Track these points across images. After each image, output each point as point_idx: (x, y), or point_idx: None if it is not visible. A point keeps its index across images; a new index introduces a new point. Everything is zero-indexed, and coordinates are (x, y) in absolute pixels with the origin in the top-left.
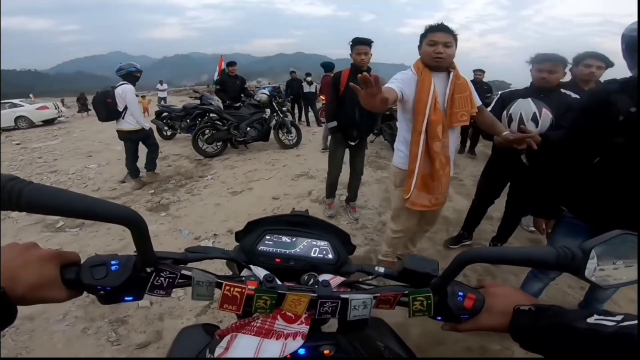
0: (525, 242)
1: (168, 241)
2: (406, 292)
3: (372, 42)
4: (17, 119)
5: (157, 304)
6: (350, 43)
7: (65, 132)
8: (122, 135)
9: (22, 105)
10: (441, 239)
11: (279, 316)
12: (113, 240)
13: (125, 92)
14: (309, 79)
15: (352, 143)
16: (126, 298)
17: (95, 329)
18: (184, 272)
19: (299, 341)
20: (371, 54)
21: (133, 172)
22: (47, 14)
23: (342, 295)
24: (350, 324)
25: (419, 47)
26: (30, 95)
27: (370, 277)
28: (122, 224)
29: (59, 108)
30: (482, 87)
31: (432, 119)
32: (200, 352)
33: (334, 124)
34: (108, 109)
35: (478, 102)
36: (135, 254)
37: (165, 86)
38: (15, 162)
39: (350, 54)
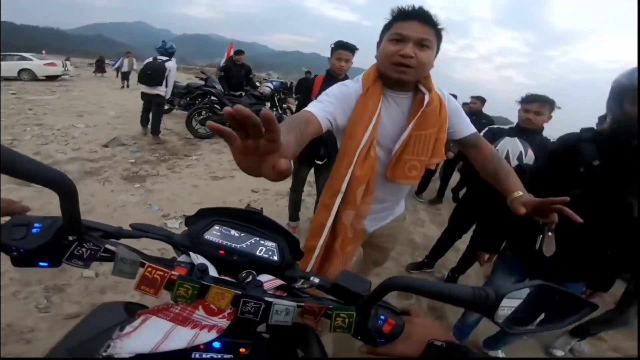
0: (480, 276)
1: (135, 213)
2: (331, 306)
3: (357, 49)
4: (20, 71)
5: (103, 276)
6: (332, 46)
7: (65, 90)
8: (149, 97)
9: (31, 60)
10: (405, 261)
11: (200, 307)
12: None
13: (172, 67)
14: None
15: (319, 162)
16: (41, 263)
17: (26, 294)
18: (108, 246)
19: (213, 334)
20: (352, 63)
21: (157, 128)
22: None
23: (267, 298)
24: (275, 327)
25: (378, 44)
26: (43, 52)
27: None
28: (50, 187)
29: (65, 66)
30: (481, 120)
31: (356, 174)
32: (110, 328)
33: None
34: (152, 76)
35: (470, 130)
36: (60, 220)
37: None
38: (5, 110)
39: (329, 58)
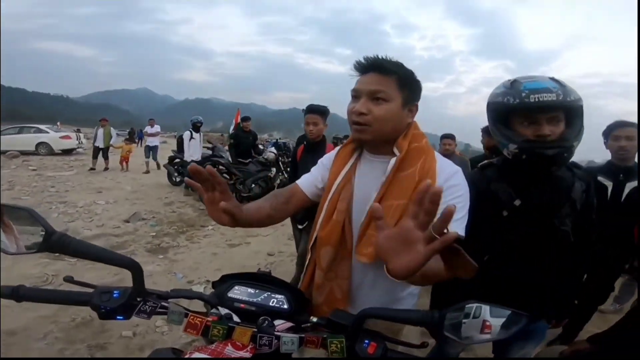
0: None
1: (162, 281)
2: (325, 336)
3: (327, 111)
4: (38, 144)
5: (140, 336)
6: (303, 111)
7: (81, 165)
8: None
9: (47, 132)
10: None
11: (229, 344)
12: (108, 274)
13: (185, 136)
14: None
15: (300, 226)
16: (118, 317)
17: (73, 351)
18: (163, 303)
19: None
20: (325, 126)
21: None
22: (91, 43)
23: (276, 333)
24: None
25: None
26: (58, 124)
27: (308, 324)
28: (126, 268)
29: (80, 139)
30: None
31: (320, 235)
32: None
33: None
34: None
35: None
36: (132, 287)
37: (156, 128)
38: (29, 188)
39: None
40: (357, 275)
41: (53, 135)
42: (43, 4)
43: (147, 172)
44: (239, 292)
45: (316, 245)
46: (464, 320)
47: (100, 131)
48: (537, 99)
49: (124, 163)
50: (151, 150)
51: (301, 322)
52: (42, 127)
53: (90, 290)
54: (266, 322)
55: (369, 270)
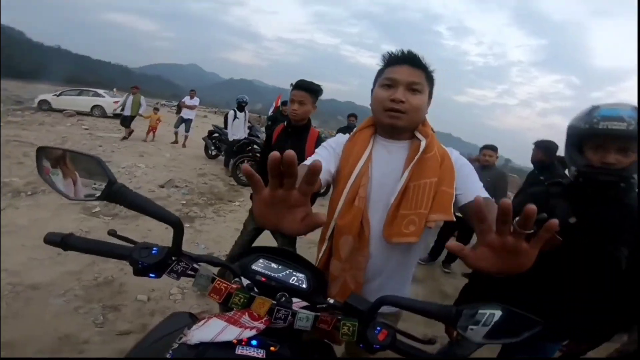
0: None
1: (184, 249)
2: (339, 317)
3: (319, 90)
4: (93, 107)
5: (153, 301)
6: (290, 87)
7: None
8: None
9: (104, 97)
10: None
11: (247, 313)
12: (138, 235)
13: (230, 115)
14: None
15: None
16: (151, 274)
17: (87, 309)
18: (194, 265)
19: (253, 333)
20: (313, 108)
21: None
22: (155, 18)
23: (293, 308)
24: (298, 337)
25: (371, 92)
26: (114, 89)
27: (324, 305)
28: (170, 224)
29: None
30: (490, 177)
31: (338, 224)
32: (178, 329)
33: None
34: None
35: (482, 193)
36: (169, 247)
37: (195, 101)
38: (79, 145)
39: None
40: (371, 266)
41: (108, 100)
42: None
43: (176, 142)
44: (262, 266)
45: (334, 235)
46: (478, 320)
47: (130, 99)
48: (605, 127)
49: (152, 133)
50: (184, 123)
51: (317, 302)
52: (100, 91)
53: (131, 245)
54: (284, 297)
55: (390, 257)
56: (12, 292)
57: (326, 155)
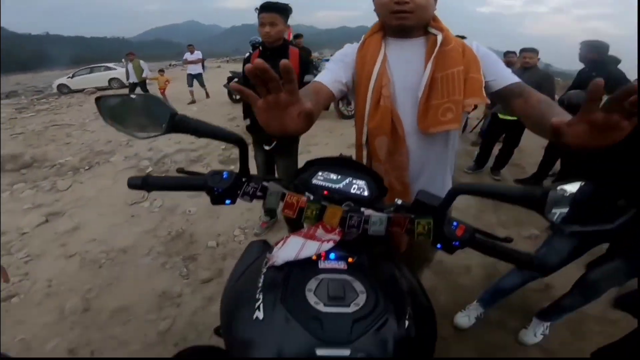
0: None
1: None
2: (412, 216)
3: (287, 9)
4: (110, 80)
5: (222, 246)
6: (256, 11)
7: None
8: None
9: (115, 69)
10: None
11: (320, 227)
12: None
13: (246, 58)
14: None
15: (267, 147)
16: (227, 201)
17: (172, 264)
18: (264, 183)
19: (331, 245)
20: (287, 29)
21: None
22: None
23: (365, 212)
24: (370, 243)
25: None
26: (122, 60)
27: (391, 207)
28: (234, 144)
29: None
30: (534, 78)
31: (370, 126)
32: (260, 256)
33: (247, 122)
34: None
35: (513, 78)
36: (236, 172)
37: (197, 55)
38: None
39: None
40: (413, 164)
41: (120, 71)
42: None
43: (193, 101)
44: (322, 179)
45: (368, 139)
46: (564, 200)
47: (130, 66)
48: None
49: (161, 93)
50: (195, 78)
51: (381, 208)
52: (110, 65)
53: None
54: (350, 206)
55: (429, 150)
56: (107, 259)
57: (334, 67)
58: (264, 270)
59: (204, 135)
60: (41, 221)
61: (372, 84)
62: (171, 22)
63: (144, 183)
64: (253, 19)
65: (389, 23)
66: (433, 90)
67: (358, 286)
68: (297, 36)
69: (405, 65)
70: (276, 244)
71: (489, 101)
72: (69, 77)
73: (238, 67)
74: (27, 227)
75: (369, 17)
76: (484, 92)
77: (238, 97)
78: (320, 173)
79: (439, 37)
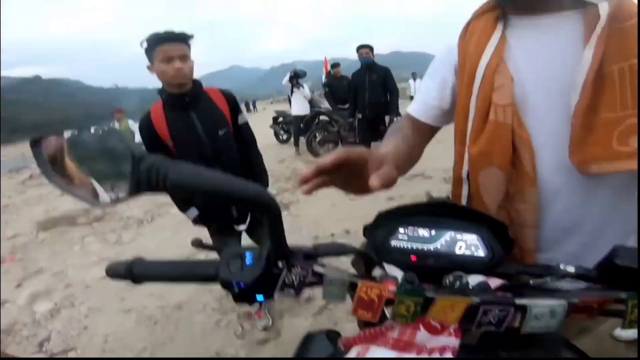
0: None
1: (289, 240)
2: (623, 295)
3: (190, 36)
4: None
5: (278, 302)
6: (145, 45)
7: None
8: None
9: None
10: None
11: (421, 326)
12: None
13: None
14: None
15: (241, 227)
16: (258, 297)
17: (226, 321)
18: (316, 268)
19: (448, 356)
20: (192, 61)
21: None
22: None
23: (518, 301)
24: (509, 337)
25: None
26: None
27: (546, 279)
28: (258, 206)
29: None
30: None
31: (471, 152)
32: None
33: (192, 212)
34: None
35: None
36: (266, 246)
37: (306, 89)
38: None
39: (148, 66)
40: (551, 219)
41: None
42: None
43: None
44: (406, 238)
45: (469, 171)
46: None
47: (117, 126)
48: None
49: None
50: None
51: (507, 276)
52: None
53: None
54: (458, 281)
55: (590, 200)
56: (162, 315)
57: (428, 85)
58: None
59: (208, 192)
60: (104, 274)
61: (476, 85)
62: (216, 69)
63: (127, 272)
64: (290, 58)
65: None
66: (601, 95)
67: None
68: (334, 65)
69: (540, 54)
70: (343, 344)
71: None
72: None
73: (282, 107)
74: (91, 281)
75: (398, 43)
76: None
77: (285, 137)
78: (401, 229)
79: (603, 7)
